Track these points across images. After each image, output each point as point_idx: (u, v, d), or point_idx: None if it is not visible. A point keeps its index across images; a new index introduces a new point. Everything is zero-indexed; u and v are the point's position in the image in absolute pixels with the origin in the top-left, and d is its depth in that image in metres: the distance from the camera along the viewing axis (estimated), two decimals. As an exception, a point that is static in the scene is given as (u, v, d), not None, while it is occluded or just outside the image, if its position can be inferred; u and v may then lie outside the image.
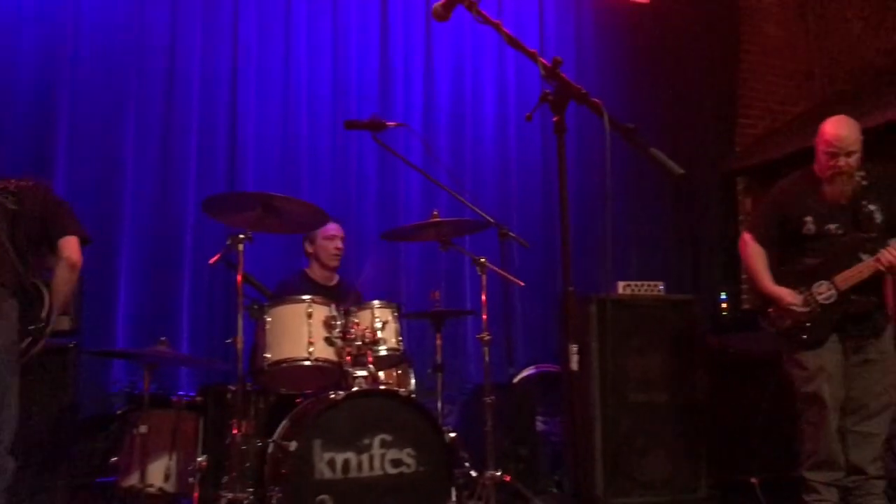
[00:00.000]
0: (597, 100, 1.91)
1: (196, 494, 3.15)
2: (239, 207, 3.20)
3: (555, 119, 1.98)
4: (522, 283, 3.64)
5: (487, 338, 3.37)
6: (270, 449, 3.14)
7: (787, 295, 3.45)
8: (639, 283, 4.37)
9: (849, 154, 3.39)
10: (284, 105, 4.78)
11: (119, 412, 3.50)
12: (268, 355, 3.19)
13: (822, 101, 5.95)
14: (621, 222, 5.37)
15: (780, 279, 3.52)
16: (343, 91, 4.89)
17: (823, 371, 3.41)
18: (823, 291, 3.39)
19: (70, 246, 3.00)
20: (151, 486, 3.12)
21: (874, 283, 3.38)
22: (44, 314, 2.88)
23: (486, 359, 3.37)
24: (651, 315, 4.31)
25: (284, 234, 3.98)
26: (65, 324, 3.47)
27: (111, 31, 4.43)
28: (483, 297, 3.39)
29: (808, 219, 3.47)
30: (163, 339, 3.35)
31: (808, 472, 3.47)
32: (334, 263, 3.99)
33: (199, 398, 3.52)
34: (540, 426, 4.56)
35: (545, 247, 5.02)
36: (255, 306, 3.30)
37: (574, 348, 1.98)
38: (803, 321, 3.43)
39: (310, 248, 4.03)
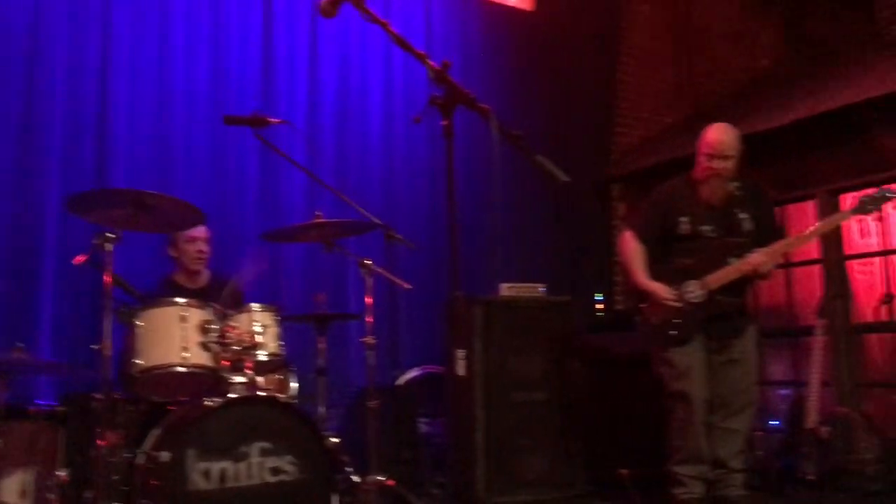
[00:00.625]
0: (485, 105, 1.92)
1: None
2: (108, 205, 3.00)
3: (443, 123, 1.98)
4: (408, 286, 3.61)
5: (372, 341, 3.33)
6: (140, 460, 2.97)
7: (660, 289, 3.62)
8: (521, 284, 4.46)
9: (725, 158, 3.60)
10: (160, 98, 4.54)
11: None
12: (138, 361, 3.02)
13: (689, 115, 6.28)
14: (504, 225, 5.45)
15: (655, 276, 3.69)
16: (223, 85, 4.69)
17: (690, 369, 3.59)
18: (693, 290, 3.58)
19: None
20: (5, 503, 2.89)
21: (739, 286, 3.59)
22: None
23: (371, 362, 3.32)
24: (532, 316, 4.40)
25: (158, 233, 3.78)
26: None
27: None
28: (368, 300, 3.34)
29: (684, 220, 3.66)
30: (19, 344, 3.10)
31: (676, 466, 3.65)
32: (197, 267, 3.82)
33: (60, 408, 3.30)
34: (424, 428, 4.55)
35: (431, 249, 5.02)
36: (125, 310, 3.11)
37: (461, 353, 1.98)
38: (673, 317, 3.60)
39: (173, 252, 3.84)
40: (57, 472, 3.00)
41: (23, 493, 2.95)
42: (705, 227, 3.63)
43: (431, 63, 1.95)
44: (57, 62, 4.26)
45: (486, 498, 4.04)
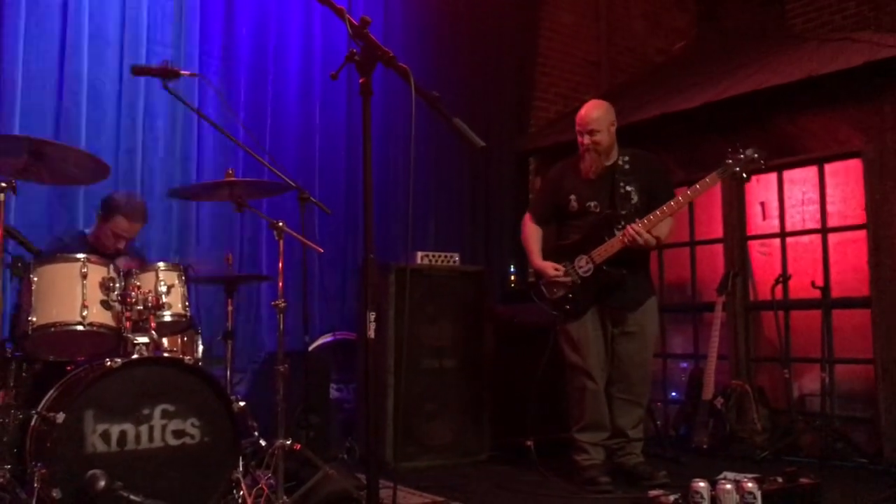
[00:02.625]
0: (404, 65, 1.89)
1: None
2: (2, 152, 2.83)
3: (361, 80, 1.94)
4: (322, 250, 3.56)
5: (283, 305, 3.27)
6: (34, 421, 2.84)
7: (549, 268, 3.74)
8: (436, 253, 4.47)
9: (592, 132, 3.70)
10: (63, 43, 4.23)
11: None
12: (33, 319, 2.86)
13: (606, 91, 6.40)
14: (421, 192, 5.44)
15: (553, 254, 3.80)
16: (131, 33, 4.43)
17: (585, 341, 3.71)
18: (583, 265, 3.68)
19: None
20: None
21: (628, 258, 3.65)
22: None
23: (281, 326, 3.27)
24: (445, 285, 4.44)
25: (57, 185, 3.59)
26: None
27: None
28: (280, 263, 3.27)
29: (572, 197, 3.78)
30: None
31: (578, 434, 3.78)
32: (109, 252, 3.54)
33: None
34: (334, 394, 4.54)
35: (346, 213, 4.96)
36: (19, 264, 2.95)
37: (372, 316, 1.97)
38: (566, 293, 3.71)
39: (100, 222, 3.56)
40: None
41: None
42: (591, 203, 3.74)
43: (350, 18, 1.91)
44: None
45: (393, 463, 4.08)
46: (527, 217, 3.98)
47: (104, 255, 3.33)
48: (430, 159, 5.49)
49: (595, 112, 3.73)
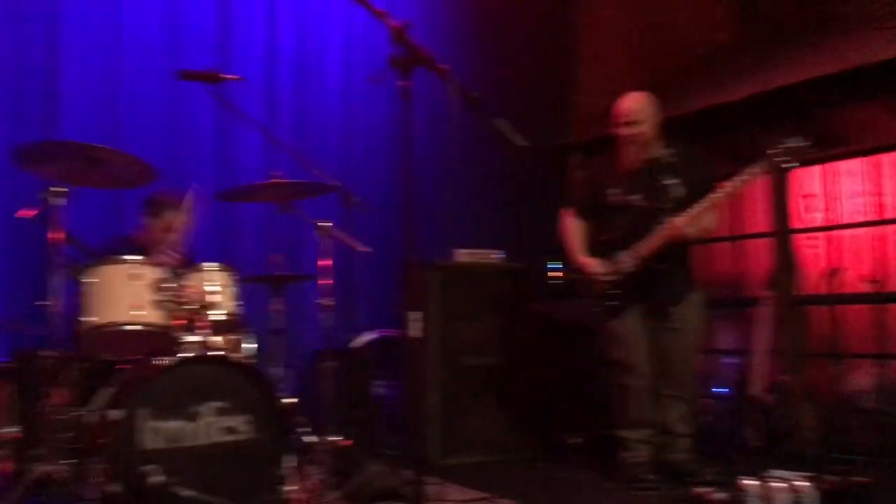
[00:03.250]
0: (444, 66, 1.91)
1: (6, 468, 2.90)
2: (56, 158, 2.93)
3: (401, 83, 1.96)
4: (365, 249, 3.61)
5: (328, 303, 3.32)
6: (90, 418, 2.94)
7: (591, 264, 3.70)
8: (476, 251, 4.49)
9: (633, 123, 3.66)
10: (113, 49, 4.37)
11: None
12: (89, 319, 2.97)
13: (647, 84, 6.32)
14: (461, 189, 5.45)
15: (595, 249, 3.77)
16: (177, 39, 4.54)
17: (629, 338, 3.68)
18: (626, 260, 3.65)
19: None
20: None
21: (671, 252, 3.60)
22: None
23: (326, 324, 3.32)
24: (486, 282, 4.46)
25: (108, 189, 3.69)
26: None
27: None
28: (324, 262, 3.32)
29: (613, 191, 3.73)
30: (-35, 300, 3.03)
31: (622, 431, 3.75)
32: (160, 250, 3.59)
33: (10, 364, 3.24)
34: (379, 391, 4.59)
35: (388, 212, 5.00)
36: (75, 266, 3.05)
37: (413, 315, 2.00)
38: (608, 289, 3.68)
39: (148, 221, 3.69)
40: (6, 429, 2.95)
41: (-29, 450, 2.89)
42: (634, 197, 3.69)
43: (390, 22, 1.93)
44: (1, 8, 4.10)
45: (438, 459, 4.11)
46: (566, 212, 3.94)
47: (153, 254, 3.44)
48: (471, 157, 5.50)
49: (635, 103, 3.70)
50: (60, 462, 2.77)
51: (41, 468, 2.74)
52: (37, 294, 3.02)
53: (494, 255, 4.51)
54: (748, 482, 2.92)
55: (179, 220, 3.63)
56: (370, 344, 4.72)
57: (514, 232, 5.80)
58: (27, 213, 2.93)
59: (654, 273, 3.61)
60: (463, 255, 4.41)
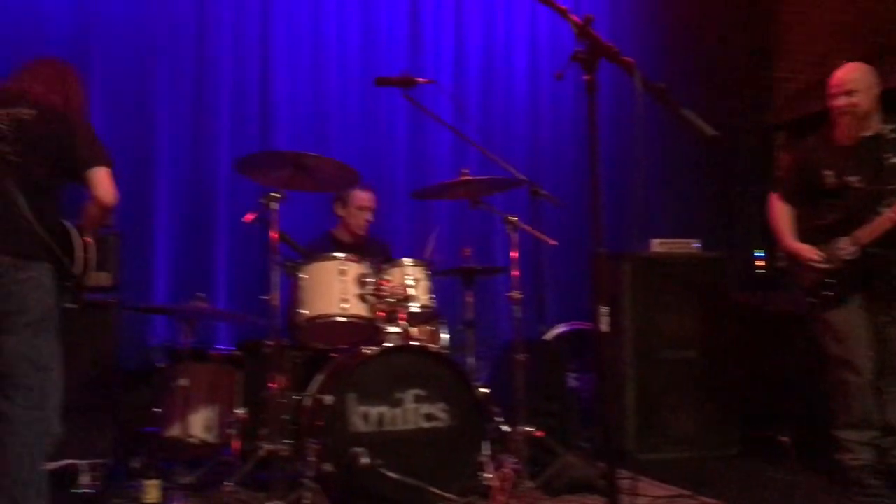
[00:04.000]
0: (628, 59, 1.89)
1: (236, 445, 3.25)
2: (271, 166, 3.23)
3: (586, 78, 1.97)
4: (554, 243, 3.63)
5: (518, 296, 3.39)
6: (307, 402, 3.22)
7: (805, 250, 3.44)
8: (673, 240, 4.35)
9: (848, 93, 3.36)
10: (315, 61, 4.77)
11: (160, 366, 3.61)
12: (303, 311, 3.26)
13: (862, 56, 5.75)
14: (654, 179, 5.30)
15: (805, 236, 3.50)
16: (372, 49, 4.85)
17: (850, 332, 3.38)
18: (846, 247, 3.35)
19: (103, 181, 2.55)
20: (193, 436, 3.23)
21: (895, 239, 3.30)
22: (75, 269, 2.61)
23: (517, 316, 3.39)
24: (684, 272, 4.31)
25: (315, 192, 4.01)
26: (105, 280, 3.57)
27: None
28: (514, 255, 3.39)
29: (829, 172, 3.43)
30: (200, 294, 3.43)
31: (840, 431, 3.46)
32: (362, 232, 4.07)
33: (237, 352, 3.62)
34: (571, 383, 4.59)
35: (578, 204, 4.97)
36: (290, 264, 3.36)
37: (604, 310, 2.00)
38: (826, 278, 3.40)
39: (341, 211, 4.08)
40: (236, 411, 3.31)
41: (208, 429, 3.26)
42: (852, 178, 3.37)
43: (573, 17, 1.94)
44: (223, 29, 4.57)
45: (635, 453, 4.05)
46: (775, 196, 3.67)
47: (356, 246, 3.71)
48: (663, 145, 5.33)
49: (854, 72, 3.41)
50: (282, 442, 3.07)
51: (266, 447, 3.05)
52: (259, 289, 3.35)
53: (693, 245, 4.35)
54: None
55: (368, 198, 3.99)
56: (563, 336, 4.73)
57: (714, 219, 5.56)
58: (251, 217, 3.25)
59: (876, 261, 3.32)
60: (657, 245, 4.30)
